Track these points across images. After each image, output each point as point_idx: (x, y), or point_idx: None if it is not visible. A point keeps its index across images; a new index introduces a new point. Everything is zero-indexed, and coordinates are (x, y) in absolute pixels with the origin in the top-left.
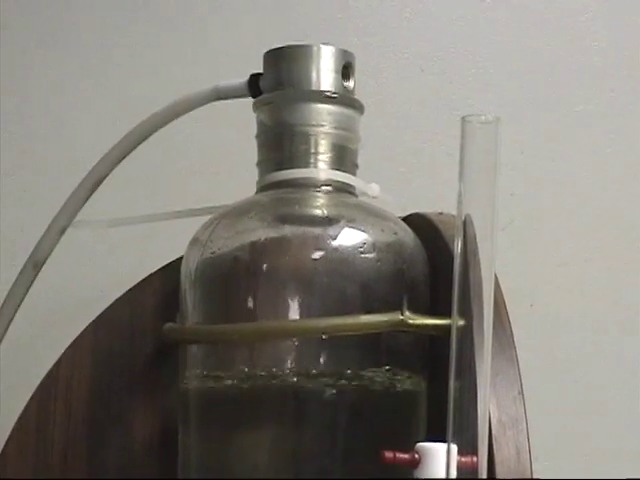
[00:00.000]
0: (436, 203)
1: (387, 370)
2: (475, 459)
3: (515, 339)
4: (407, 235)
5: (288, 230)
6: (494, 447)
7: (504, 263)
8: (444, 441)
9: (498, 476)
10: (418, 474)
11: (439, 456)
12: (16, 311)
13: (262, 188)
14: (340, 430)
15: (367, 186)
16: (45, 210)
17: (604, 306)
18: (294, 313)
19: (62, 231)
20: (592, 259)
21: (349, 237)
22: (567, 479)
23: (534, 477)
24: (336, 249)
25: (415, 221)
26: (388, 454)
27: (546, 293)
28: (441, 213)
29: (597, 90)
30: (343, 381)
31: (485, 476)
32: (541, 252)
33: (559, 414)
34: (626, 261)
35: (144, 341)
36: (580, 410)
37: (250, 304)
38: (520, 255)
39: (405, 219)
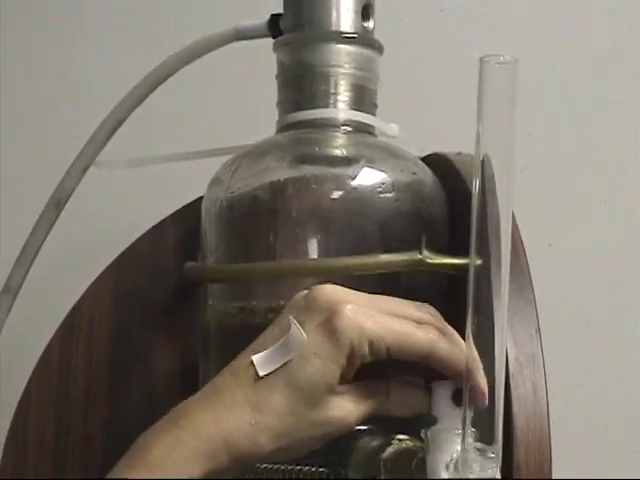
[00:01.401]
0: (455, 143)
1: None
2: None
3: (533, 279)
4: (426, 175)
5: (307, 170)
6: (511, 385)
7: (522, 204)
8: None
9: (515, 413)
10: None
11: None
12: (38, 250)
13: (282, 128)
14: None
15: (386, 126)
16: (67, 150)
17: (621, 246)
18: (313, 252)
19: (84, 171)
20: (610, 200)
21: (368, 177)
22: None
23: (550, 415)
24: (355, 189)
25: (434, 161)
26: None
27: (564, 233)
28: (460, 153)
29: (616, 29)
30: None
31: (502, 413)
32: (559, 192)
33: (575, 353)
34: None
35: (165, 279)
36: (596, 349)
37: (270, 243)
38: (538, 196)
39: (424, 159)
